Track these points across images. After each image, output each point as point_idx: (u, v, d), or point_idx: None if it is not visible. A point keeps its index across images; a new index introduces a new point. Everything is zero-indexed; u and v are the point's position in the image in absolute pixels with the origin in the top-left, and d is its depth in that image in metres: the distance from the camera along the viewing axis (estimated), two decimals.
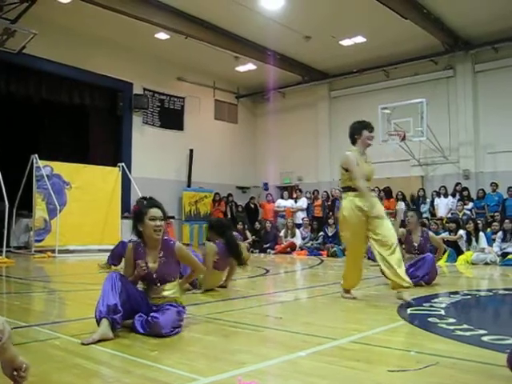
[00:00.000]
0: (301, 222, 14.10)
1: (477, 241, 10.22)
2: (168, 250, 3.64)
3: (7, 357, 1.75)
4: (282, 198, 15.72)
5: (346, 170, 5.09)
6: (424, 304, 4.67)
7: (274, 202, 15.67)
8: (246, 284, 6.66)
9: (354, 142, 5.28)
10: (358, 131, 5.24)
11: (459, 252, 10.14)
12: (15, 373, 1.79)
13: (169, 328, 3.33)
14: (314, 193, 15.17)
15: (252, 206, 16.46)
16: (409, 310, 4.31)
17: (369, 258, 9.66)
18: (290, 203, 15.16)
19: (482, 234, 10.36)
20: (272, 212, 15.46)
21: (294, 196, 15.56)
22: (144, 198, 3.72)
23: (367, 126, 5.29)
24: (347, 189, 5.08)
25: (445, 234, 10.72)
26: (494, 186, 12.69)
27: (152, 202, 3.64)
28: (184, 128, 16.68)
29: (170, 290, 3.62)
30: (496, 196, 12.59)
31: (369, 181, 5.16)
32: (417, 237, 6.65)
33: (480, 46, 13.75)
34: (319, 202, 14.84)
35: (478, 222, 10.90)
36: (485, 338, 3.25)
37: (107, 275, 3.51)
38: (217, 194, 16.43)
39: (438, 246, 6.89)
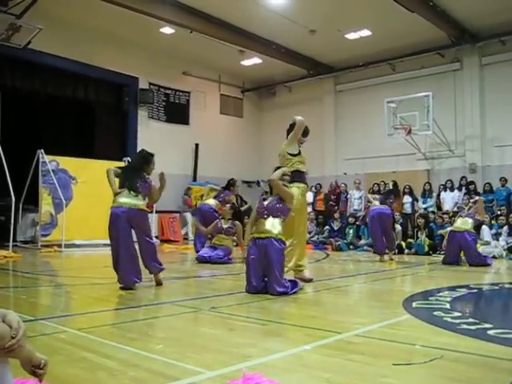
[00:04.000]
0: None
1: (478, 234, 10.16)
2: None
3: (24, 355, 1.77)
4: None
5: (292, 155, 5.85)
6: (429, 298, 4.67)
7: None
8: None
9: None
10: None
11: None
12: (33, 368, 1.81)
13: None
14: (316, 186, 15.14)
15: None
16: (414, 304, 4.31)
17: (375, 252, 9.69)
18: None
19: (484, 227, 10.30)
20: None
21: None
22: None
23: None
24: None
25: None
26: (504, 180, 12.62)
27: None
28: (190, 122, 16.68)
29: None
30: (505, 191, 12.51)
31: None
32: None
33: (487, 38, 13.64)
34: (322, 195, 14.83)
35: (486, 216, 10.85)
36: (490, 332, 3.25)
37: None
38: (222, 187, 16.41)
39: None
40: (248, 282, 4.97)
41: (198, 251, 9.04)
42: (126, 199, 5.46)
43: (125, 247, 5.36)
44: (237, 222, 8.71)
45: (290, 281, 5.05)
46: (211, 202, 9.55)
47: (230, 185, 9.87)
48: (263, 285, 4.93)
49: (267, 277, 4.91)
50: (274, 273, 4.82)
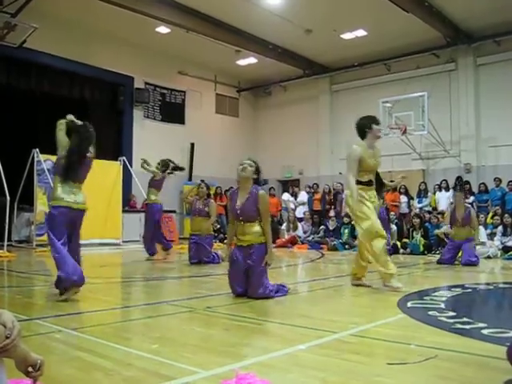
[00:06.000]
0: (302, 215, 14.10)
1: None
2: (252, 195, 4.67)
3: (19, 355, 1.77)
4: (288, 192, 15.77)
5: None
6: (424, 297, 4.68)
7: (275, 197, 15.65)
8: None
9: (363, 137, 5.40)
10: (369, 125, 5.38)
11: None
12: (30, 369, 1.80)
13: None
14: (313, 186, 15.15)
15: None
16: (409, 304, 4.32)
17: None
18: (291, 199, 15.15)
19: (480, 227, 10.31)
20: (274, 206, 15.42)
21: (291, 191, 15.55)
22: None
23: (375, 120, 5.48)
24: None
25: (446, 227, 10.68)
26: (498, 181, 12.65)
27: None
28: (185, 122, 16.67)
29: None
30: (499, 191, 12.55)
31: (372, 173, 5.38)
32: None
33: (482, 39, 13.70)
34: (319, 195, 14.82)
35: (481, 216, 10.88)
36: (485, 332, 3.26)
37: None
38: (218, 187, 16.41)
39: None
40: (232, 289, 4.79)
41: (152, 251, 9.07)
42: (67, 196, 4.62)
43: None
44: (211, 201, 8.61)
45: (279, 285, 4.92)
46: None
47: (163, 166, 9.94)
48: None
49: (249, 281, 4.68)
50: (259, 279, 4.62)
